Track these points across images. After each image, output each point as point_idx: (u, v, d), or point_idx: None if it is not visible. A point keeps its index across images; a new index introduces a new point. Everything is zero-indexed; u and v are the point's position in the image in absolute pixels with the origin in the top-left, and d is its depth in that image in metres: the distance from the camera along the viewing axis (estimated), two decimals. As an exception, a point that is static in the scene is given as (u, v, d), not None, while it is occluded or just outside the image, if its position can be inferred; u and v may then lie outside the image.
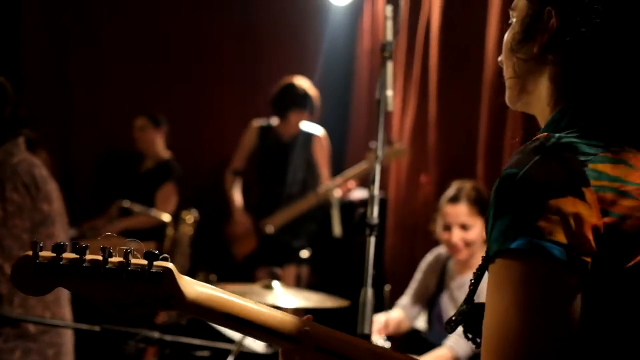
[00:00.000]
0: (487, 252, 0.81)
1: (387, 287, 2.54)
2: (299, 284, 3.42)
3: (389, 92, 1.85)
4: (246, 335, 1.05)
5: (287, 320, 1.00)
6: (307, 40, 5.42)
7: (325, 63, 5.25)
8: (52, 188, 2.24)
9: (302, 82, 4.22)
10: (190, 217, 3.87)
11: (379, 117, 1.80)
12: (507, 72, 1.01)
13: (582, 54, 0.89)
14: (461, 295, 2.74)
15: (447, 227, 2.74)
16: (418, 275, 2.98)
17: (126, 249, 0.91)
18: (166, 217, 3.79)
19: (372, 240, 1.60)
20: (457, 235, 2.70)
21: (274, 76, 5.29)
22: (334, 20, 5.25)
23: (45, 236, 2.22)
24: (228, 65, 5.29)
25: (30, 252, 0.90)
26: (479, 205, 2.71)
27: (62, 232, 2.32)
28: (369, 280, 1.56)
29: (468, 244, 2.70)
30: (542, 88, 0.96)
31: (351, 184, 3.92)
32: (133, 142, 4.51)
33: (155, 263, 0.92)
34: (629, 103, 0.88)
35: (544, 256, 0.75)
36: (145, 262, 0.91)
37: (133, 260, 0.91)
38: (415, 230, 4.04)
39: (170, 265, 0.94)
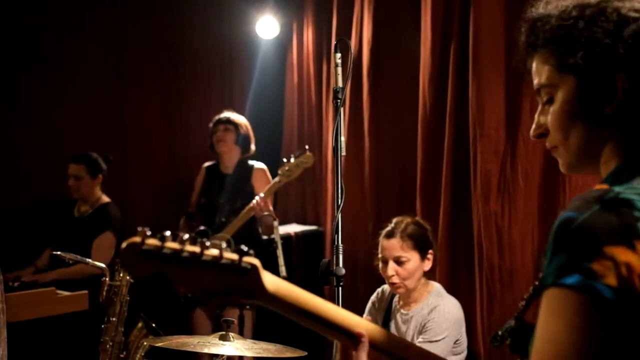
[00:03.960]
0: (542, 281, 0.91)
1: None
2: (242, 329, 3.35)
3: (343, 138, 1.86)
4: (314, 329, 1.15)
5: (352, 319, 1.17)
6: (237, 73, 5.41)
7: (256, 96, 5.26)
8: None
9: (227, 113, 4.29)
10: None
11: (337, 164, 1.80)
12: (566, 142, 1.09)
13: None
14: (406, 329, 2.77)
15: (384, 262, 2.78)
16: (365, 317, 2.98)
17: (220, 244, 1.01)
18: (102, 265, 3.63)
19: (340, 291, 1.58)
20: (392, 268, 2.73)
21: (202, 111, 5.24)
22: (264, 53, 5.27)
23: None
24: (154, 100, 5.19)
25: (138, 238, 0.98)
26: (414, 239, 2.76)
27: None
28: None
29: (404, 278, 2.74)
30: (605, 148, 1.06)
31: (266, 204, 3.89)
32: (65, 188, 4.27)
33: (244, 259, 1.02)
34: None
35: (594, 295, 0.85)
36: (236, 256, 1.01)
37: (225, 254, 1.01)
38: (357, 265, 4.05)
39: (256, 261, 1.04)
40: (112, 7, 4.97)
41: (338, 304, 1.57)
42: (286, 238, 4.65)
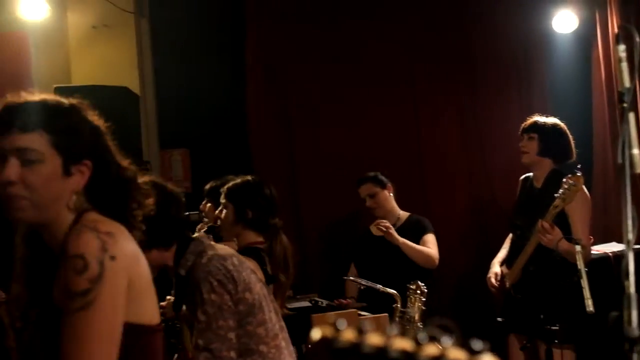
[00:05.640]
0: None
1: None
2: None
3: (635, 151, 1.45)
4: None
5: None
6: (534, 75, 5.00)
7: (558, 98, 4.80)
8: (248, 272, 2.17)
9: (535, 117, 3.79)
10: (418, 287, 3.56)
11: (625, 183, 1.40)
12: None
13: None
14: None
15: None
16: None
17: (441, 340, 0.75)
18: (393, 292, 3.56)
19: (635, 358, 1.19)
20: None
21: (499, 119, 4.92)
22: (563, 50, 4.80)
23: (256, 324, 2.15)
24: (449, 111, 5.02)
25: (329, 332, 0.78)
26: None
27: (272, 313, 2.23)
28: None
29: None
30: None
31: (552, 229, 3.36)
32: (365, 210, 4.34)
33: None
34: None
35: None
36: (464, 357, 0.73)
37: (450, 354, 0.74)
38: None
39: None
40: (404, 20, 4.94)
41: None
42: (602, 259, 4.05)
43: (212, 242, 2.24)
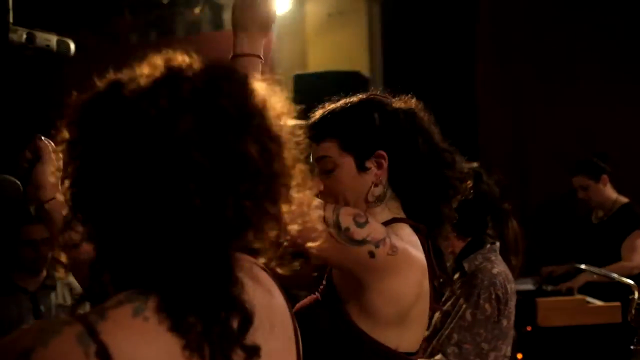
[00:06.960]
0: None
1: None
2: None
3: None
4: None
5: None
6: None
7: None
8: (513, 304, 2.21)
9: None
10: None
11: None
12: None
13: None
14: None
15: None
16: None
17: None
18: (630, 282, 3.39)
19: None
20: None
21: None
22: None
23: (496, 349, 2.18)
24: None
25: None
26: None
27: (508, 347, 2.26)
28: None
29: None
30: None
31: None
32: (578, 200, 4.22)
33: None
34: None
35: None
36: None
37: None
38: None
39: None
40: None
41: None
42: None
43: (500, 258, 2.26)
